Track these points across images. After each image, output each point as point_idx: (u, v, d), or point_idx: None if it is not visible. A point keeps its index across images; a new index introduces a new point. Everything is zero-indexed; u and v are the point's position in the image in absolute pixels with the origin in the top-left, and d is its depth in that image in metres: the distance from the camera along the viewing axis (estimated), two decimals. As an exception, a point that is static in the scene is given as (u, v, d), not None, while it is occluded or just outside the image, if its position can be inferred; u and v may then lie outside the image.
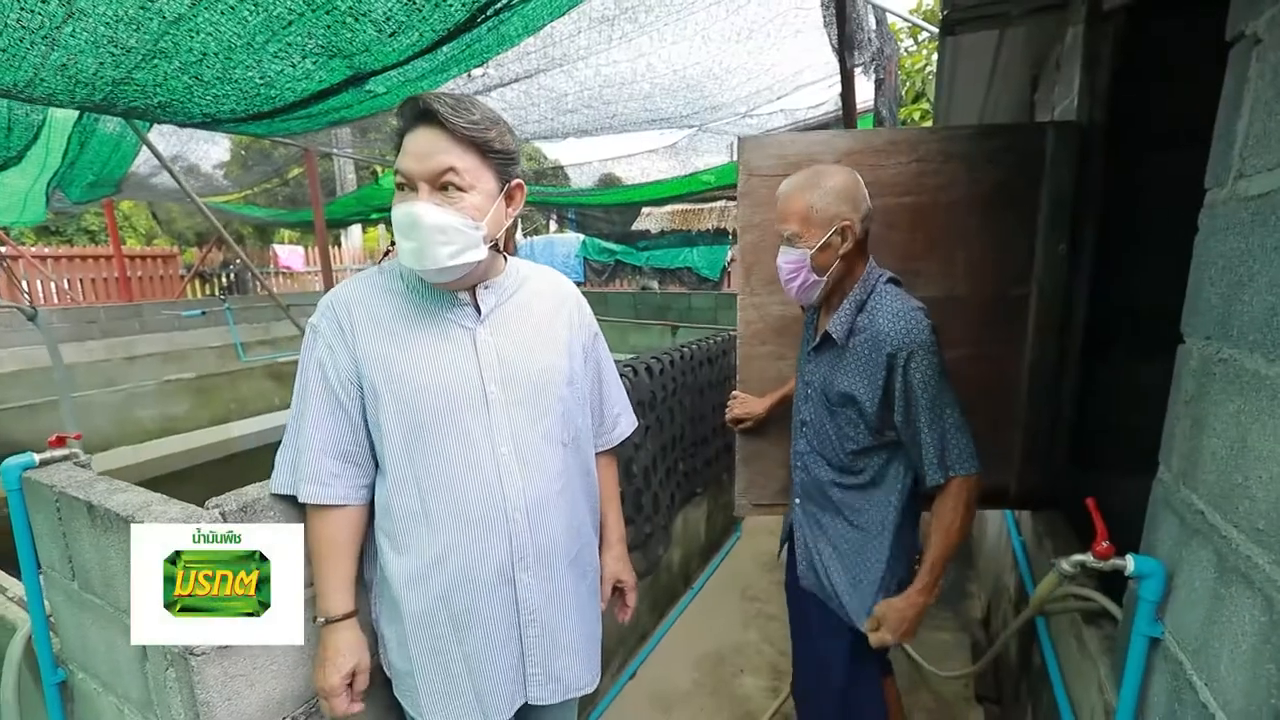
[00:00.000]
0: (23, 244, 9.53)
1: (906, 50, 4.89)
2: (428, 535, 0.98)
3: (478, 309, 1.01)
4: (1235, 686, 0.70)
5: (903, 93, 4.88)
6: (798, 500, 1.47)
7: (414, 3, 1.80)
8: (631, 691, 2.19)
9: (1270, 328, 0.69)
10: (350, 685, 1.01)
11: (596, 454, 1.23)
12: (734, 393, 1.80)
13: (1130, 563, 0.89)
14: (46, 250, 8.43)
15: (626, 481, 2.05)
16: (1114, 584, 1.07)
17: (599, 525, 1.24)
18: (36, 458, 1.19)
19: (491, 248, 0.97)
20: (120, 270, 8.17)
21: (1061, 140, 1.57)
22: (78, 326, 5.97)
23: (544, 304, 1.09)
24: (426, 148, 0.88)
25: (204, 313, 6.76)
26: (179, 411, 4.89)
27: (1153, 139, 1.70)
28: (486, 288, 1.02)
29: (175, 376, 4.97)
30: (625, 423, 1.29)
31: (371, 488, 1.03)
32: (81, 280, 8.01)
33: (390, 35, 1.97)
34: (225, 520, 0.95)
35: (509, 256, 1.08)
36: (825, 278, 1.27)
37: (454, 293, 1.00)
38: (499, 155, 0.93)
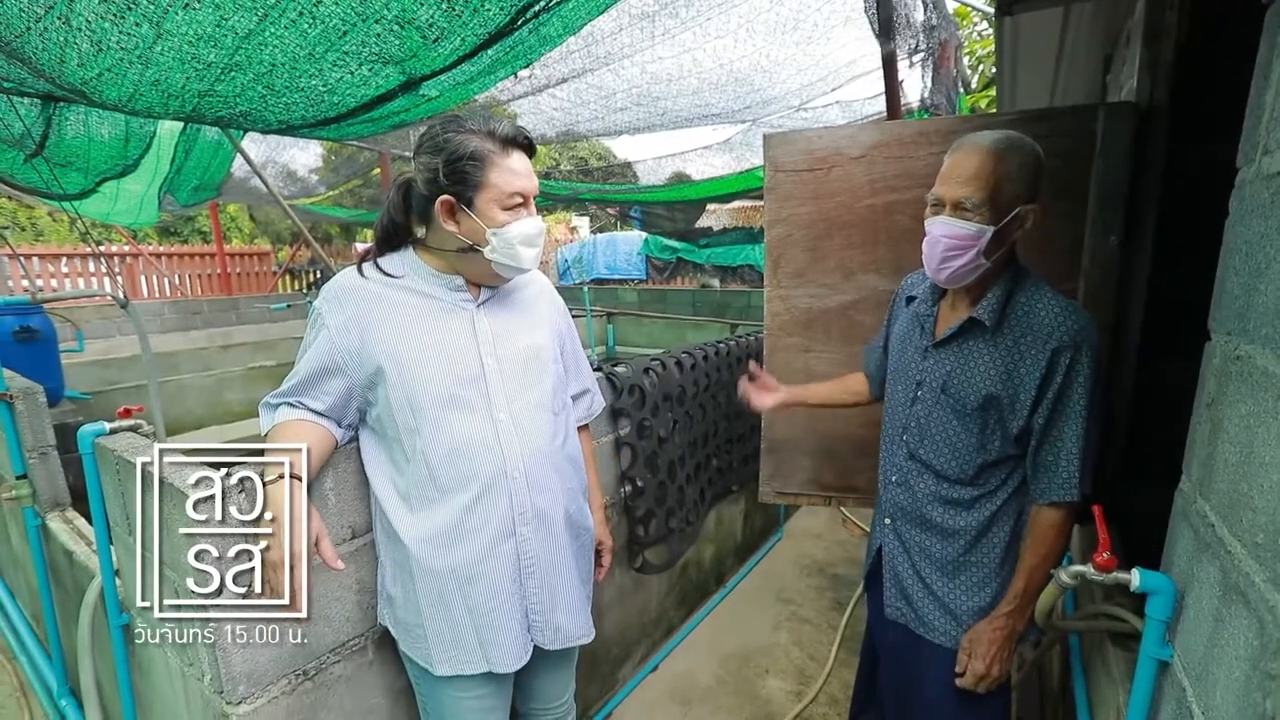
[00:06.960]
0: (145, 244, 10.67)
1: (979, 35, 4.59)
2: (437, 498, 1.08)
3: (473, 296, 1.14)
4: (1226, 717, 0.64)
5: (973, 80, 4.59)
6: (888, 521, 1.30)
7: (454, 9, 1.89)
8: (651, 684, 2.21)
9: (1282, 320, 0.62)
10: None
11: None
12: (755, 370, 1.55)
13: (1135, 577, 0.82)
14: (160, 249, 9.42)
15: (650, 474, 2.06)
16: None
17: (586, 490, 1.34)
18: (107, 426, 1.35)
19: None
20: (221, 266, 9.01)
21: (1114, 123, 1.44)
22: (184, 317, 6.66)
23: (526, 292, 1.24)
24: (529, 169, 1.07)
25: (289, 305, 7.38)
26: (262, 396, 5.37)
27: (1224, 119, 1.53)
28: None
29: (258, 364, 5.43)
30: (597, 402, 1.44)
31: (338, 426, 1.13)
32: (190, 276, 8.89)
33: (434, 41, 2.08)
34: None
35: None
36: (991, 263, 1.09)
37: (450, 280, 1.12)
38: None
